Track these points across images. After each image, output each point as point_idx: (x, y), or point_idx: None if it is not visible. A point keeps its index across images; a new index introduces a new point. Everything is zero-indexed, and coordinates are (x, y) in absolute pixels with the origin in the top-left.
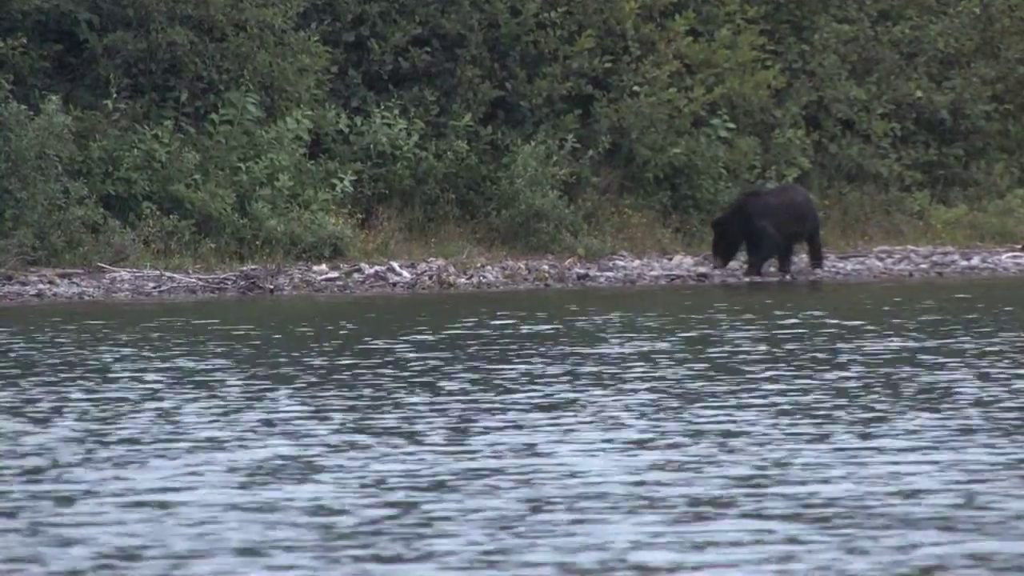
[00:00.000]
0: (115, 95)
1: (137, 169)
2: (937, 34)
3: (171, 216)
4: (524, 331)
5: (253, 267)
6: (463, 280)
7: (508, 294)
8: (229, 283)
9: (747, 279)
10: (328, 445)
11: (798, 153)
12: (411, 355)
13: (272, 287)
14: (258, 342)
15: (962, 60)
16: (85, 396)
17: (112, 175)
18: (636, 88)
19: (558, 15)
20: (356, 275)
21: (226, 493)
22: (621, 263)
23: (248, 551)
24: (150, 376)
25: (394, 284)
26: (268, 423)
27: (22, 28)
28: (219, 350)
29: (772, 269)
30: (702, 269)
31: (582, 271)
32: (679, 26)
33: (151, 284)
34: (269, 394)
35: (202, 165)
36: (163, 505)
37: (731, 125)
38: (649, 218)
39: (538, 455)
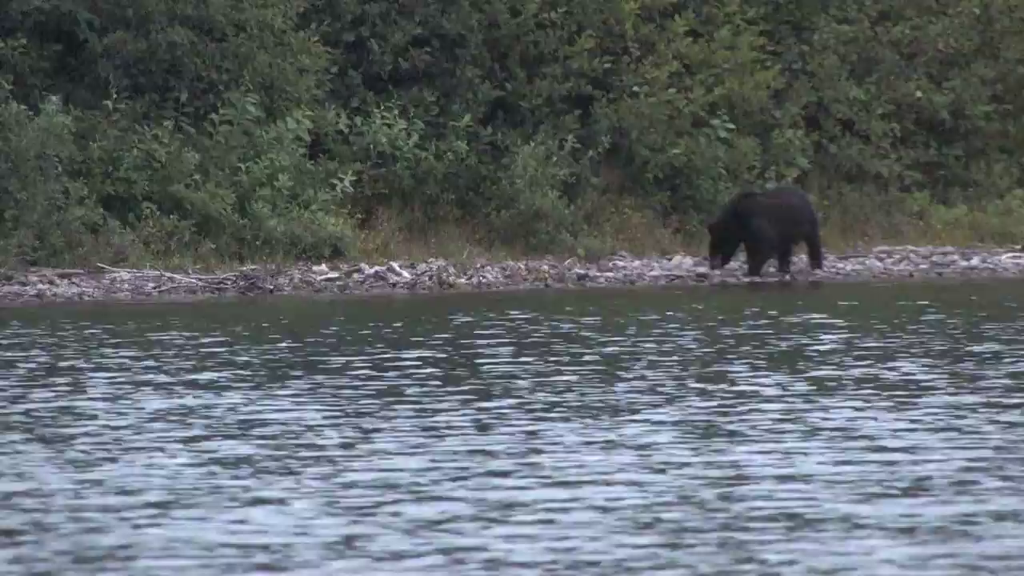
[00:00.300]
0: (115, 95)
1: (137, 169)
2: (937, 34)
3: (171, 216)
4: (517, 331)
5: (253, 267)
6: (463, 280)
7: (508, 294)
8: (229, 283)
9: (746, 280)
10: (305, 445)
11: (798, 153)
12: (398, 355)
13: (272, 287)
14: (248, 343)
15: (962, 60)
16: (67, 395)
17: (112, 175)
18: (636, 88)
19: (558, 15)
20: (356, 275)
21: (198, 493)
22: (621, 263)
23: (224, 552)
24: (131, 375)
25: (394, 284)
26: (248, 423)
27: (22, 28)
28: (208, 350)
29: (772, 270)
30: (701, 269)
31: (582, 271)
32: (679, 27)
33: (151, 284)
34: (250, 394)
35: (202, 165)
36: (135, 506)
37: (731, 125)
38: (649, 218)
39: (516, 455)
